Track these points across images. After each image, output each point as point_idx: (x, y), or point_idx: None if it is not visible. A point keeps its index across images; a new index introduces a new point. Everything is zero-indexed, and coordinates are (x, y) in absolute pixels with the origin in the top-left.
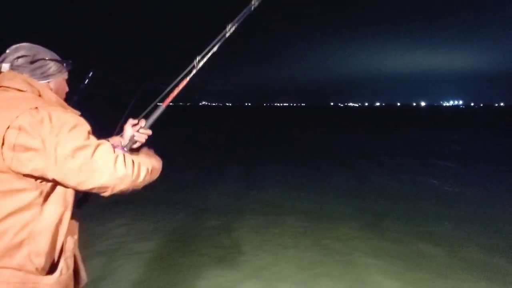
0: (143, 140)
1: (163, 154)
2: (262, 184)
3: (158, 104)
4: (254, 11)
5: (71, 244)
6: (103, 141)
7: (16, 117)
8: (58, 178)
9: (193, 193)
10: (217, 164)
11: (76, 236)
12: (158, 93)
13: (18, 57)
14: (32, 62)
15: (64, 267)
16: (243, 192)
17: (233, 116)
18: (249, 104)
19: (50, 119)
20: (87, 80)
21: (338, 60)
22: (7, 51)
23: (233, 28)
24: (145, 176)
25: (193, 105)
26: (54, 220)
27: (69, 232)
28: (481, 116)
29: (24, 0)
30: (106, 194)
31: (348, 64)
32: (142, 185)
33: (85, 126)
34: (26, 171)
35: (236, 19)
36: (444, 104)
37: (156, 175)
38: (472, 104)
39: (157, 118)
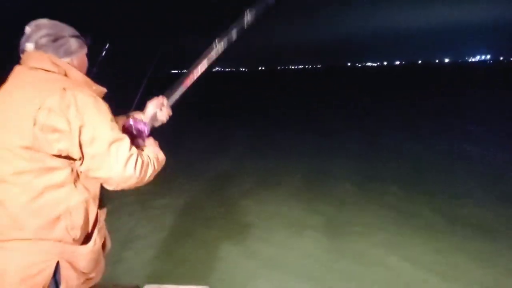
0: (165, 120)
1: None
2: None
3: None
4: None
5: (103, 216)
6: (122, 135)
7: (47, 98)
8: (79, 158)
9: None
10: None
11: (105, 208)
12: (173, 60)
13: (42, 36)
14: (55, 41)
15: (98, 238)
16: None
17: (243, 85)
18: (263, 68)
19: (76, 102)
20: (104, 52)
21: (355, 18)
22: (28, 28)
23: (249, 18)
24: (150, 175)
25: (208, 72)
26: (88, 195)
27: (101, 204)
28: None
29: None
30: (110, 187)
31: (366, 22)
32: (145, 183)
33: (107, 115)
34: (54, 151)
35: (252, 12)
36: (470, 60)
37: (159, 168)
38: (502, 58)
39: (178, 98)
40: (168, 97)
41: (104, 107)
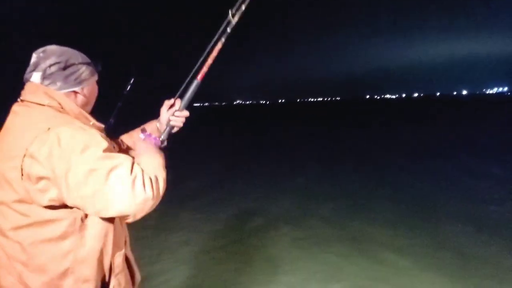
0: (181, 124)
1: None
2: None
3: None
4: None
5: (119, 260)
6: (119, 160)
7: (31, 143)
8: (77, 205)
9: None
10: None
11: (123, 247)
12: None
13: (51, 65)
14: (65, 68)
15: (116, 285)
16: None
17: (262, 118)
18: (283, 100)
19: (59, 142)
20: (129, 87)
21: (374, 52)
22: (35, 56)
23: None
24: (163, 190)
25: (228, 105)
26: (98, 244)
27: (116, 248)
28: None
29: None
30: (129, 221)
31: (384, 55)
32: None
33: (99, 145)
34: (45, 202)
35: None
36: (488, 92)
37: (165, 186)
38: None
39: (192, 95)
40: (181, 97)
41: (95, 137)
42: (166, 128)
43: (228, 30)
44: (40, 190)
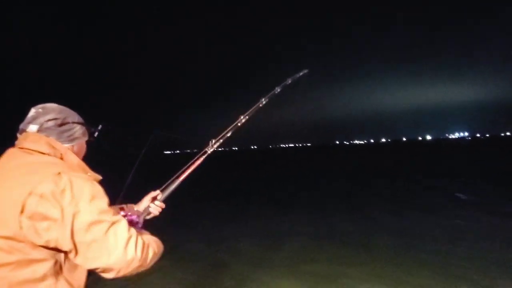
0: (157, 213)
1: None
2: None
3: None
4: (263, 107)
5: None
6: (119, 217)
7: (39, 183)
8: (70, 250)
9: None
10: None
11: None
12: (168, 142)
13: (48, 120)
14: (60, 125)
15: None
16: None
17: (239, 165)
18: (255, 147)
19: (71, 187)
20: (96, 134)
21: (342, 99)
22: (33, 110)
23: (244, 120)
24: (151, 259)
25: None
26: None
27: None
28: (485, 147)
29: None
30: (109, 276)
31: (352, 103)
32: (146, 268)
33: (104, 199)
34: (41, 242)
35: (247, 112)
36: (450, 137)
37: (159, 254)
38: (478, 135)
39: (172, 192)
40: (163, 191)
41: (101, 191)
42: (144, 213)
43: (208, 151)
44: (42, 229)
